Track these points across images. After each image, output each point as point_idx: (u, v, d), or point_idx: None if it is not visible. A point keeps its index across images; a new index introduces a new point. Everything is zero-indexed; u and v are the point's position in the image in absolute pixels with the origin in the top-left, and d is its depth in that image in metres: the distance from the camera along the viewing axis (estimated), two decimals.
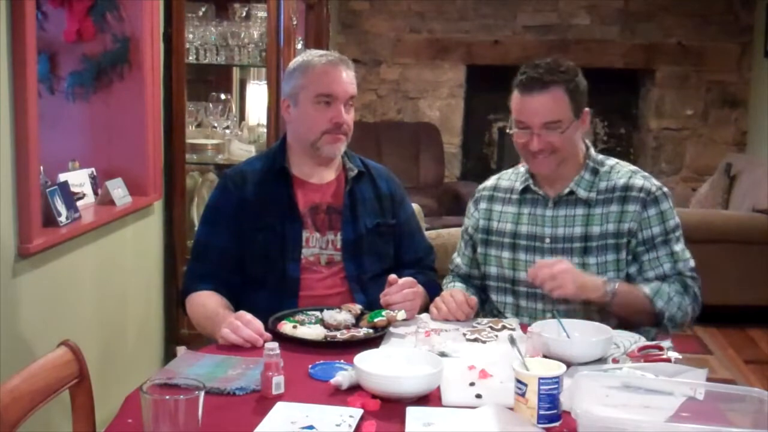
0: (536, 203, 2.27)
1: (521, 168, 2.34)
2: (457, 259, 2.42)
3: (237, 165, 2.45)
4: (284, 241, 2.23)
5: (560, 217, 2.23)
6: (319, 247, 2.26)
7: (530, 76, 2.15)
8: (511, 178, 2.36)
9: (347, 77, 2.26)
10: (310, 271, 2.24)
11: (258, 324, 1.96)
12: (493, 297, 2.32)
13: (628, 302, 2.12)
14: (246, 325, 1.94)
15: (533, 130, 2.14)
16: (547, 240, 2.23)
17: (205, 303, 2.17)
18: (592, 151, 2.28)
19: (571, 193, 2.22)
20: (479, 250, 2.35)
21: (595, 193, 2.21)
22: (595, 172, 2.24)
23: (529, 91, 2.14)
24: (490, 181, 2.41)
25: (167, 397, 1.33)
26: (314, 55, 2.30)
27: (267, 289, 2.20)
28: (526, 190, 2.29)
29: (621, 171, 2.25)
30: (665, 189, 2.25)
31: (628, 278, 2.20)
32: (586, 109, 2.22)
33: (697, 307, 2.21)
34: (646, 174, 2.27)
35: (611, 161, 2.28)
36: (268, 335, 1.94)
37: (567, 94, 2.15)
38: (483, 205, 2.37)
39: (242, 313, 1.99)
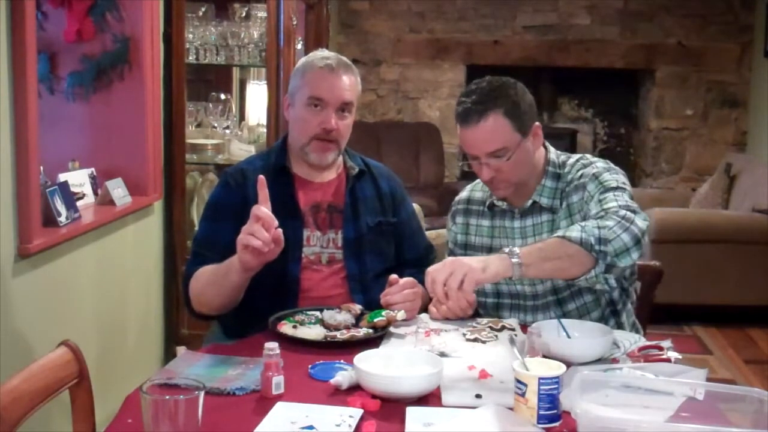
0: (504, 215, 2.25)
1: None
2: None
3: (237, 164, 2.45)
4: (285, 240, 2.22)
5: (528, 227, 2.21)
6: (320, 245, 2.26)
7: (465, 108, 2.09)
8: (484, 188, 2.31)
9: (346, 82, 2.23)
10: (310, 270, 2.24)
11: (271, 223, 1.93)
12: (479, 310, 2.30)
13: (541, 255, 1.89)
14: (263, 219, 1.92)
15: (480, 161, 2.10)
16: None
17: (209, 268, 2.13)
18: (552, 155, 2.22)
19: (536, 203, 2.20)
20: None
21: (558, 199, 2.18)
22: (556, 177, 2.20)
23: (468, 123, 2.08)
24: (464, 193, 2.37)
25: (167, 397, 1.33)
26: (317, 56, 2.28)
27: (267, 287, 2.19)
28: (493, 204, 2.27)
29: (575, 166, 2.19)
30: (606, 164, 2.16)
31: None
32: (536, 123, 2.15)
33: (634, 226, 1.94)
34: (594, 159, 2.20)
35: (572, 159, 2.23)
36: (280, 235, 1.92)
37: (506, 118, 2.07)
38: (459, 219, 2.34)
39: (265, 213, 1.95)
